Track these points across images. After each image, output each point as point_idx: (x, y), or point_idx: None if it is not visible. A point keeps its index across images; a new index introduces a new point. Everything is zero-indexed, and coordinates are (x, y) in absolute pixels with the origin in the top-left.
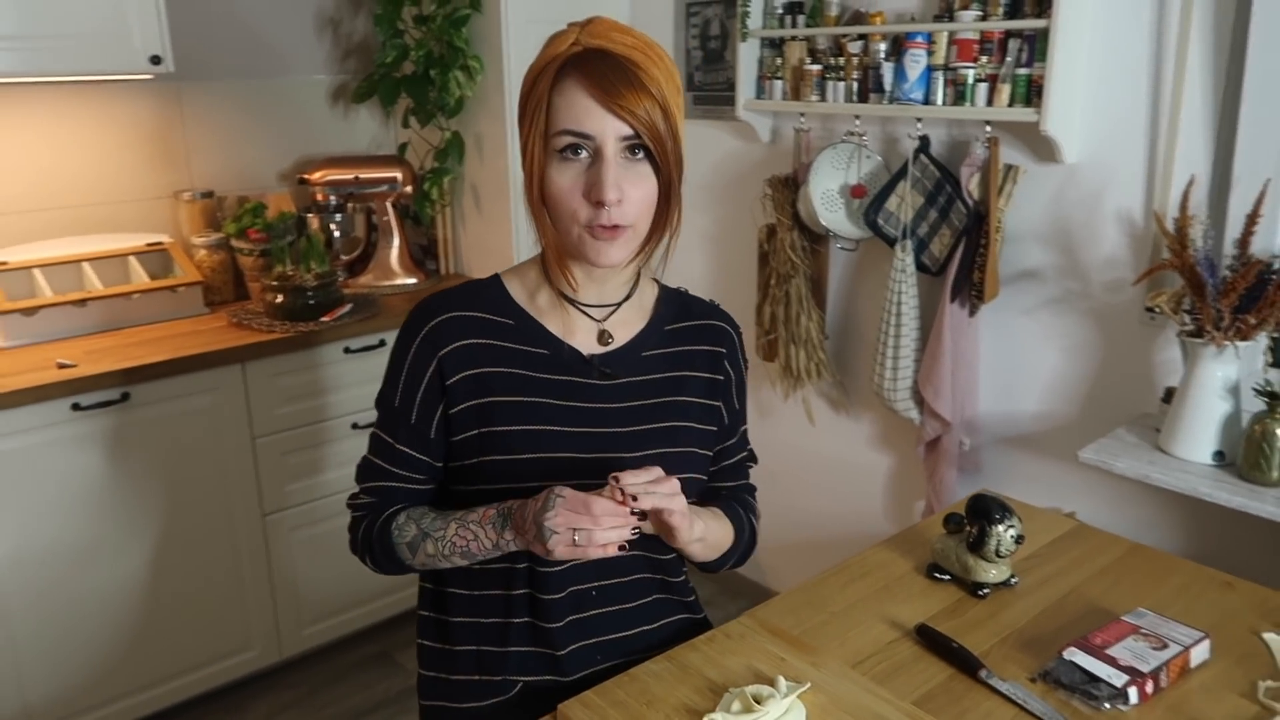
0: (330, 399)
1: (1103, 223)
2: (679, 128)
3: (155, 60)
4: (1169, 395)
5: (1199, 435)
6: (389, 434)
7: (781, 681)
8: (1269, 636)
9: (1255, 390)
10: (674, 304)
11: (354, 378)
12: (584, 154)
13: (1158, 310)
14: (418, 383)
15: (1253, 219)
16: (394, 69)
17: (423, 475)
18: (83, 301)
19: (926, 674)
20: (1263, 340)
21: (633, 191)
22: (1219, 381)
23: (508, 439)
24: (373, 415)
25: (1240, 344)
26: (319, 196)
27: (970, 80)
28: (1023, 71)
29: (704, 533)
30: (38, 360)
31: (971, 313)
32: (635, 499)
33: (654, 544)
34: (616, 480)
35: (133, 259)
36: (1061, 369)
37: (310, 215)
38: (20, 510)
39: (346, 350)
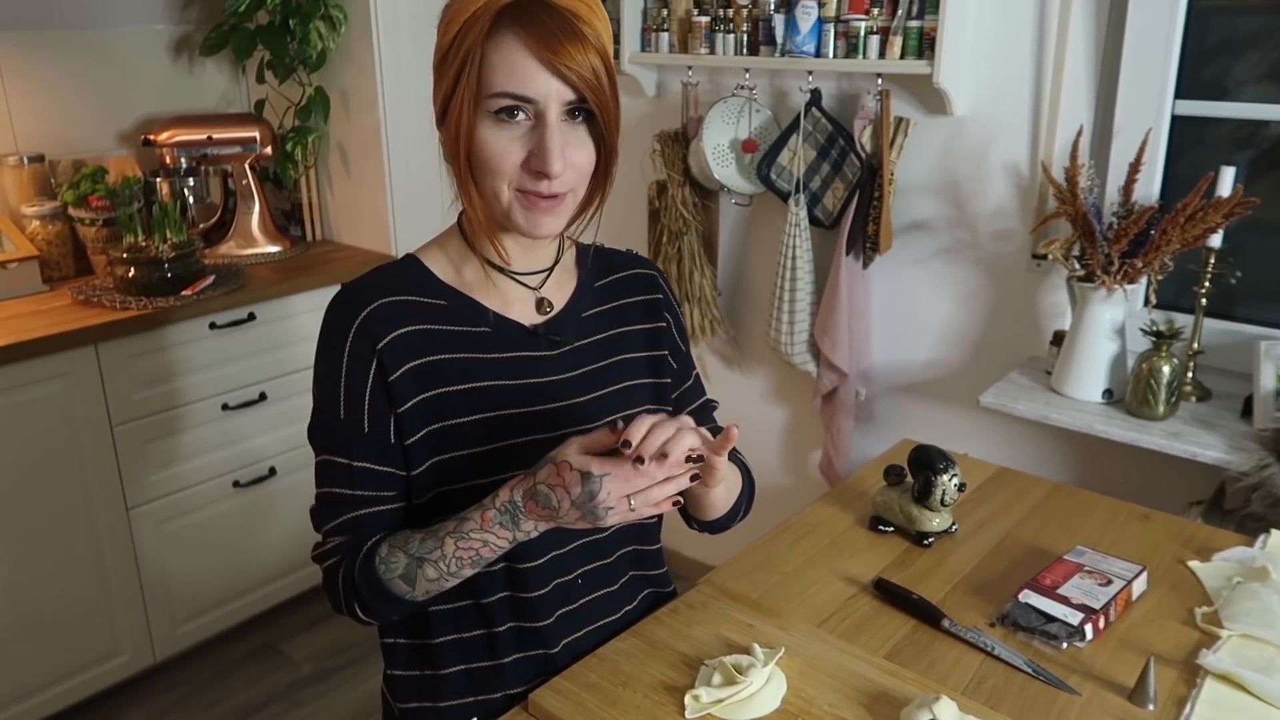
0: (196, 379)
1: (990, 174)
2: (617, 84)
3: None
4: (1058, 338)
5: (1090, 375)
6: (342, 455)
7: (758, 649)
8: (1195, 565)
9: (1142, 330)
10: (596, 259)
11: (222, 355)
12: (522, 116)
13: (1047, 257)
14: (361, 385)
15: (1135, 168)
16: (246, 19)
17: (392, 492)
18: None
19: (890, 627)
20: (1145, 283)
21: (575, 157)
22: (1107, 323)
23: (464, 432)
24: (246, 395)
25: (1128, 287)
26: (167, 159)
27: (862, 32)
28: (914, 24)
29: (726, 470)
30: None
31: (865, 265)
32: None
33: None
34: (628, 444)
35: None
36: (952, 317)
37: (159, 180)
38: None
39: (212, 326)
